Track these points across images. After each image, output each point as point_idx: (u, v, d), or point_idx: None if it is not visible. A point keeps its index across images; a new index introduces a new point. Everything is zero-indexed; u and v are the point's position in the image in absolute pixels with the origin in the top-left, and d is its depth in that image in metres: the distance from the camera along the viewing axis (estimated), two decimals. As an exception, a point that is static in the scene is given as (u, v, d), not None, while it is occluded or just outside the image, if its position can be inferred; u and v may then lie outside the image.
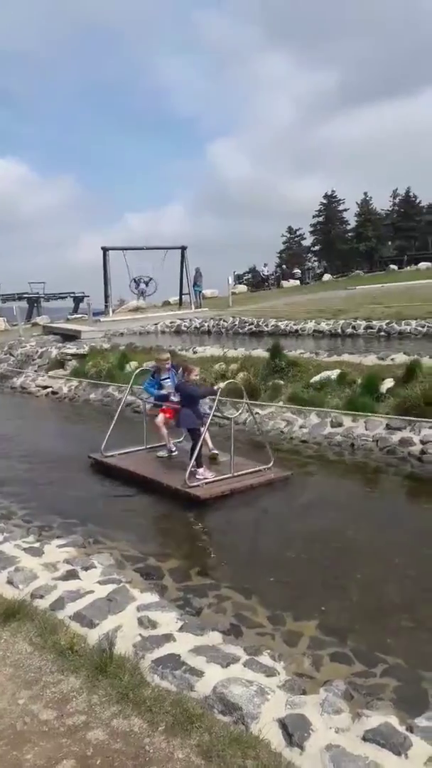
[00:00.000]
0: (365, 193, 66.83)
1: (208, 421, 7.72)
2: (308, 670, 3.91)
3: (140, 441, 9.08)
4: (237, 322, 22.78)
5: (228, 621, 4.53)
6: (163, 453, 8.78)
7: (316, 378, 11.17)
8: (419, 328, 17.59)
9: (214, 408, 7.69)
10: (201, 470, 7.49)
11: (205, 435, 7.86)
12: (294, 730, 3.01)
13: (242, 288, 43.71)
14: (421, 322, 17.93)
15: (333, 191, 68.64)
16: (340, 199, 68.76)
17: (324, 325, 19.71)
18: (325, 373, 11.23)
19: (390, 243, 66.32)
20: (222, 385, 8.08)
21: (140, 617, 4.12)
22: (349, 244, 65.91)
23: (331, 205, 68.56)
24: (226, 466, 7.82)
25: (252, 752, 2.89)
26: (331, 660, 4.04)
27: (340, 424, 9.78)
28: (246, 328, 21.89)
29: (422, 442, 8.66)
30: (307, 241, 71.65)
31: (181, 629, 3.99)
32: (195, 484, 7.30)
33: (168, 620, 4.11)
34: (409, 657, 4.03)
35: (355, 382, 10.62)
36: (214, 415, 7.78)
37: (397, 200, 68.59)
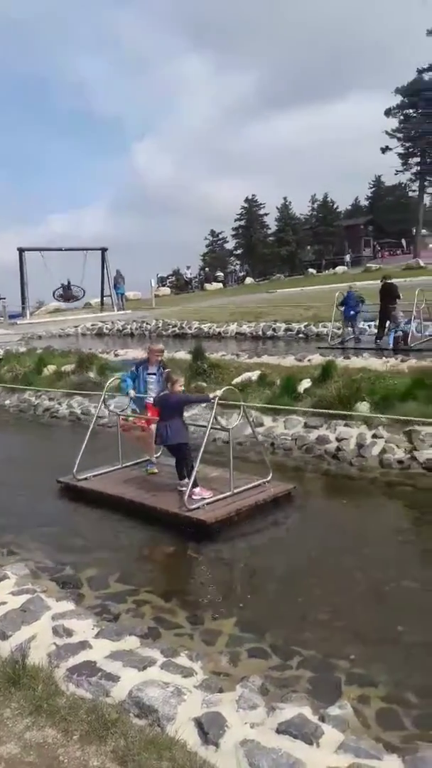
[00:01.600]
0: (285, 198, 68.43)
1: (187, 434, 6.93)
2: (226, 668, 3.94)
3: (111, 459, 8.03)
4: (160, 325, 22.76)
5: (146, 624, 4.50)
6: (153, 468, 7.84)
7: (238, 379, 11.30)
8: (335, 330, 18.13)
9: (211, 419, 6.86)
10: (197, 490, 6.56)
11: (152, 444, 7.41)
12: (209, 728, 3.03)
13: (165, 290, 43.70)
14: (337, 324, 18.50)
15: (254, 195, 69.82)
16: (260, 203, 70.03)
17: (246, 328, 20.02)
18: (246, 375, 11.39)
19: (309, 247, 68.15)
20: (219, 392, 7.04)
21: (55, 626, 4.03)
22: (271, 248, 67.19)
23: (252, 209, 69.69)
24: (222, 483, 6.93)
25: (167, 753, 2.89)
26: (249, 656, 4.10)
27: (261, 424, 9.94)
28: (169, 331, 21.91)
29: (337, 440, 8.93)
30: (230, 245, 72.54)
31: (97, 636, 3.93)
32: (195, 506, 6.35)
33: (84, 627, 4.04)
34: (323, 648, 4.14)
35: (274, 383, 10.83)
36: (212, 427, 6.94)
37: (315, 205, 70.51)
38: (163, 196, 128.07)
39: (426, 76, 47.66)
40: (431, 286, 18.10)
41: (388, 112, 50.36)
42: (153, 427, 7.38)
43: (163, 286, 45.56)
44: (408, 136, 50.22)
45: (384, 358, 12.24)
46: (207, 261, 66.71)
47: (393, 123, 50.91)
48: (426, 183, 53.40)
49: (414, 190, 56.95)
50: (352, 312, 16.70)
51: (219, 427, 7.19)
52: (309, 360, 12.12)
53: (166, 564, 5.85)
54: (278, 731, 3.02)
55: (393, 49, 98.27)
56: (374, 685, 3.75)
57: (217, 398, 6.84)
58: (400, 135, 50.62)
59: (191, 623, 4.55)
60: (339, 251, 61.55)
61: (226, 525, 6.21)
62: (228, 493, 6.68)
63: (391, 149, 51.30)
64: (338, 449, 8.80)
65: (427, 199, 59.59)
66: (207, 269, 56.78)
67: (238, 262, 69.40)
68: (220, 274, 52.67)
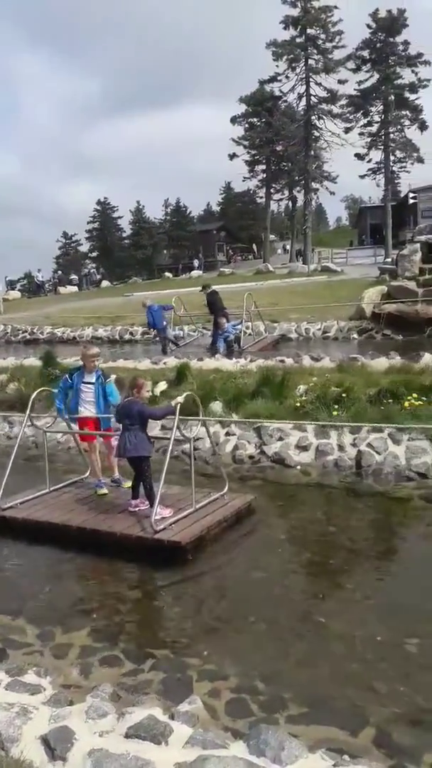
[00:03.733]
0: (138, 202, 68.52)
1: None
2: (77, 680, 3.86)
3: (31, 483, 7.25)
4: (9, 330, 21.79)
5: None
6: (102, 489, 7.02)
7: (91, 385, 11.12)
8: (191, 333, 18.51)
9: (174, 428, 6.15)
10: (158, 509, 5.88)
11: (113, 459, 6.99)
12: (56, 744, 2.96)
13: (16, 294, 42.02)
14: (192, 327, 18.91)
15: (106, 198, 69.16)
16: (113, 206, 69.50)
17: (102, 332, 19.80)
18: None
19: (165, 251, 68.77)
20: (181, 399, 6.35)
21: None
22: (126, 251, 66.94)
23: (105, 212, 68.98)
24: (176, 499, 6.42)
25: (11, 777, 2.77)
26: (101, 665, 4.04)
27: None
28: (19, 336, 21.08)
29: (195, 440, 9.08)
30: (84, 247, 71.25)
31: None
32: (161, 527, 5.74)
33: None
34: (176, 648, 4.19)
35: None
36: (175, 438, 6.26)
37: (169, 210, 71.34)
38: (12, 196, 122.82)
39: (267, 87, 49.85)
40: (277, 290, 19.06)
41: (233, 120, 52.09)
42: (98, 443, 6.99)
43: (13, 289, 43.71)
44: (253, 144, 52.25)
45: (234, 359, 12.68)
46: (61, 264, 65.01)
47: (239, 131, 52.78)
48: (272, 191, 55.89)
49: (261, 197, 59.50)
50: (160, 326, 16.62)
51: (181, 437, 6.51)
52: (164, 363, 12.23)
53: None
54: (127, 736, 3.02)
55: (240, 58, 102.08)
56: (225, 677, 3.87)
57: (178, 405, 6.18)
58: (245, 143, 52.54)
59: (41, 640, 4.40)
60: (195, 255, 62.80)
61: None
62: (190, 510, 6.14)
63: (238, 156, 53.08)
64: (195, 449, 8.95)
65: (274, 206, 62.56)
66: (60, 272, 55.32)
67: (94, 265, 68.41)
68: (74, 277, 51.56)
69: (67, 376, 7.22)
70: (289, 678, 3.85)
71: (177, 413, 6.11)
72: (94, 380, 6.97)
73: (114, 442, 6.82)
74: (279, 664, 4.02)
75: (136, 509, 6.25)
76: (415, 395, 8.28)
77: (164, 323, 16.46)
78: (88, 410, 6.96)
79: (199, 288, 17.27)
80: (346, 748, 3.16)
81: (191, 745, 2.94)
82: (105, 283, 51.21)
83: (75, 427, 7.35)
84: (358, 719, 3.45)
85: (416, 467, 7.30)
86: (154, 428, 8.58)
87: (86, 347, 7.71)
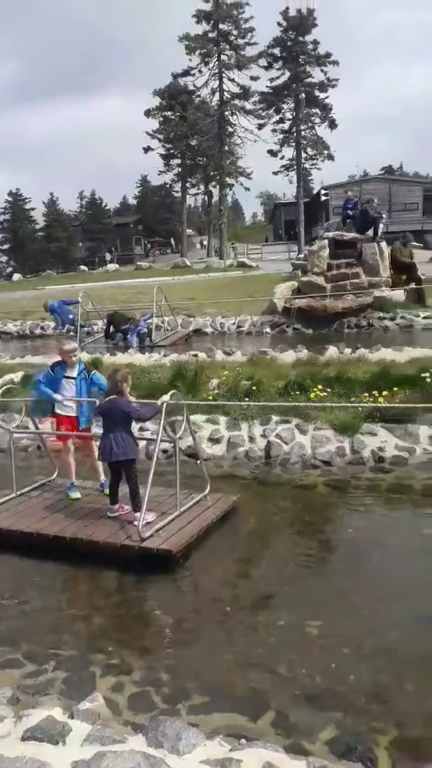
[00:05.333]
0: (51, 194, 66.77)
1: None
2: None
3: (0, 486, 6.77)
4: None
5: None
6: (75, 493, 6.53)
7: (-1, 382, 10.77)
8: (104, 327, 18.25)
9: (160, 429, 5.77)
10: (140, 514, 5.46)
11: (97, 462, 6.40)
12: None
13: None
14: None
15: (18, 189, 66.91)
16: (26, 198, 67.38)
17: (11, 326, 19.16)
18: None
19: (81, 244, 67.37)
20: (167, 397, 5.90)
21: None
22: (40, 244, 65.09)
23: (17, 203, 66.74)
24: (156, 502, 5.98)
25: None
26: (1, 668, 3.95)
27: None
28: None
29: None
30: (-6, 240, 68.64)
31: None
32: (149, 534, 5.37)
33: None
34: (80, 646, 4.16)
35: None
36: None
37: (84, 202, 69.95)
38: None
39: (181, 81, 49.80)
40: (194, 284, 19.13)
41: (147, 113, 51.70)
42: (70, 443, 6.55)
43: None
44: (168, 138, 52.08)
45: (147, 353, 12.65)
46: (-31, 257, 62.43)
47: (153, 124, 52.45)
48: (187, 185, 55.95)
49: (177, 192, 59.43)
50: (67, 319, 17.07)
51: (167, 438, 6.09)
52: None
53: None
54: (23, 738, 2.97)
55: (157, 50, 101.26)
56: (129, 672, 3.88)
57: (165, 405, 5.75)
58: (160, 136, 52.28)
59: None
60: (113, 249, 61.98)
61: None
62: (175, 513, 5.80)
63: (153, 150, 52.78)
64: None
65: (190, 201, 62.70)
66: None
67: (5, 258, 66.10)
68: (-17, 270, 49.65)
69: (49, 368, 6.71)
70: (192, 668, 3.91)
71: (163, 413, 5.76)
72: (75, 375, 6.54)
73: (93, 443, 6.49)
74: (183, 655, 4.06)
75: (116, 514, 5.87)
76: (320, 387, 8.56)
77: (71, 316, 16.48)
78: (68, 406, 6.54)
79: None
80: (244, 732, 3.24)
81: (89, 742, 2.93)
82: (16, 276, 49.60)
83: (42, 426, 6.99)
84: (259, 704, 3.55)
85: (321, 455, 7.56)
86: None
87: (61, 342, 7.23)
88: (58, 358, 6.74)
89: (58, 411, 6.58)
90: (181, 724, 3.08)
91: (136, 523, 5.45)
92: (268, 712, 3.49)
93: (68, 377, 6.52)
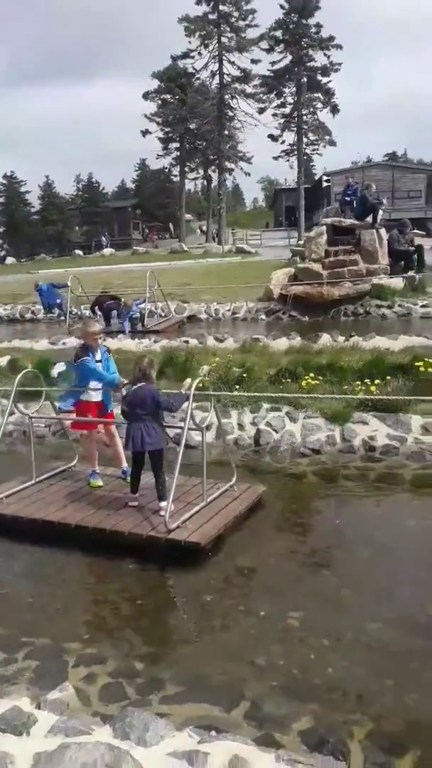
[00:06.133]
0: (47, 177, 66.21)
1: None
2: None
3: (10, 472, 6.56)
4: None
5: None
6: (98, 480, 6.29)
7: (-15, 367, 10.66)
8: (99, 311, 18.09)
9: (188, 417, 5.47)
10: (167, 503, 5.25)
11: (120, 448, 6.20)
12: None
13: None
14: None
15: (12, 172, 66.33)
16: (21, 181, 66.82)
17: (1, 310, 19.00)
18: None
19: (77, 228, 66.87)
20: (193, 383, 5.67)
21: None
22: (35, 227, 64.63)
23: (12, 186, 66.17)
24: (181, 491, 5.75)
25: None
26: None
27: (12, 413, 9.49)
28: None
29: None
30: (-12, 222, 68.11)
31: None
32: (175, 525, 5.12)
33: None
34: (54, 634, 4.08)
35: (26, 368, 10.42)
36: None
37: (80, 185, 69.31)
38: None
39: (180, 63, 49.15)
40: (191, 270, 18.95)
41: (146, 96, 51.04)
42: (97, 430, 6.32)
43: None
44: (166, 121, 51.46)
45: (137, 339, 12.52)
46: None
47: (152, 107, 51.81)
48: (186, 169, 55.42)
49: (176, 176, 58.89)
50: (57, 301, 17.24)
51: (194, 426, 5.76)
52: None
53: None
54: (-14, 730, 2.89)
55: (156, 32, 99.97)
56: (103, 661, 3.80)
57: (192, 389, 5.49)
58: (158, 119, 51.67)
59: None
60: (110, 233, 61.50)
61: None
62: (202, 504, 5.54)
63: (151, 133, 52.18)
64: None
65: (190, 185, 62.17)
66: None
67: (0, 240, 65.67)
68: (-22, 253, 49.28)
69: (82, 354, 6.24)
70: (168, 659, 3.84)
71: (191, 400, 5.51)
72: (100, 357, 6.23)
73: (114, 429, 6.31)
74: (159, 646, 3.99)
75: (136, 503, 5.68)
76: (311, 374, 8.45)
77: (58, 300, 16.49)
78: (95, 391, 6.27)
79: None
80: (216, 723, 3.17)
81: (53, 733, 2.85)
82: (10, 260, 49.27)
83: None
84: (234, 695, 3.47)
85: (310, 444, 7.46)
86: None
87: (86, 324, 6.86)
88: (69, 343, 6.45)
89: (83, 398, 6.32)
90: (150, 715, 3.00)
91: (162, 513, 5.25)
92: (242, 702, 3.41)
93: (97, 361, 6.23)
